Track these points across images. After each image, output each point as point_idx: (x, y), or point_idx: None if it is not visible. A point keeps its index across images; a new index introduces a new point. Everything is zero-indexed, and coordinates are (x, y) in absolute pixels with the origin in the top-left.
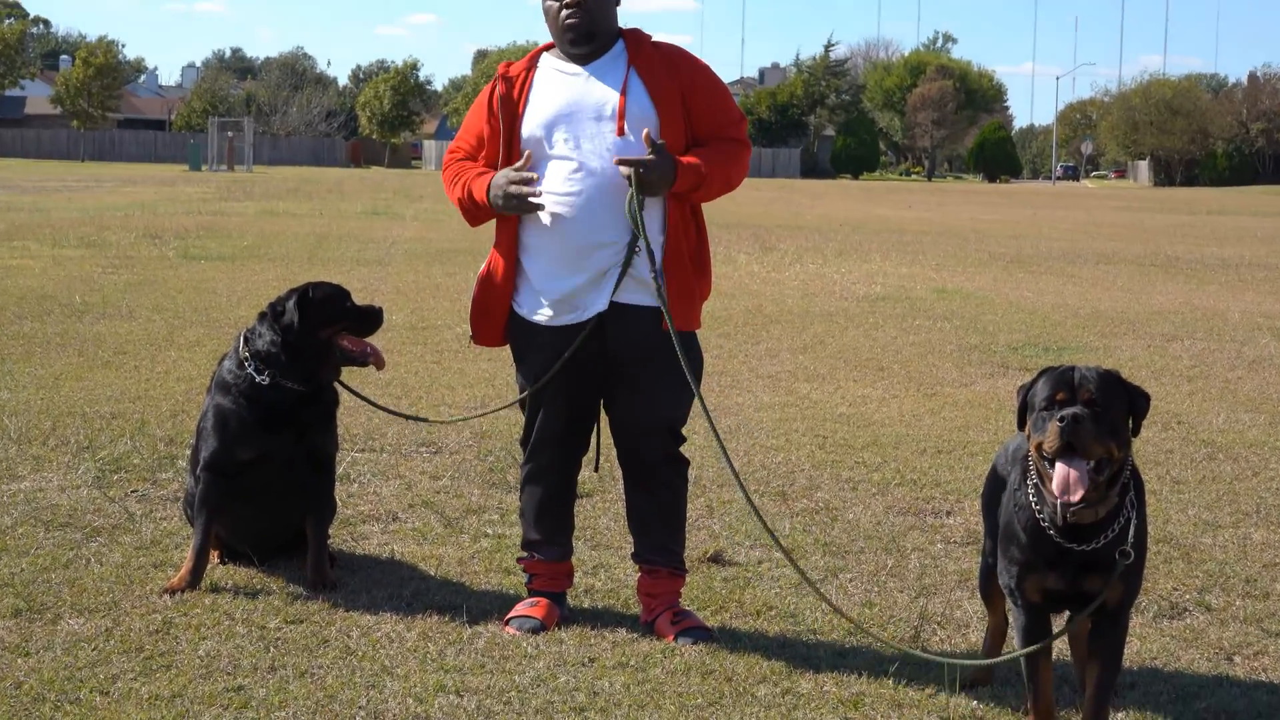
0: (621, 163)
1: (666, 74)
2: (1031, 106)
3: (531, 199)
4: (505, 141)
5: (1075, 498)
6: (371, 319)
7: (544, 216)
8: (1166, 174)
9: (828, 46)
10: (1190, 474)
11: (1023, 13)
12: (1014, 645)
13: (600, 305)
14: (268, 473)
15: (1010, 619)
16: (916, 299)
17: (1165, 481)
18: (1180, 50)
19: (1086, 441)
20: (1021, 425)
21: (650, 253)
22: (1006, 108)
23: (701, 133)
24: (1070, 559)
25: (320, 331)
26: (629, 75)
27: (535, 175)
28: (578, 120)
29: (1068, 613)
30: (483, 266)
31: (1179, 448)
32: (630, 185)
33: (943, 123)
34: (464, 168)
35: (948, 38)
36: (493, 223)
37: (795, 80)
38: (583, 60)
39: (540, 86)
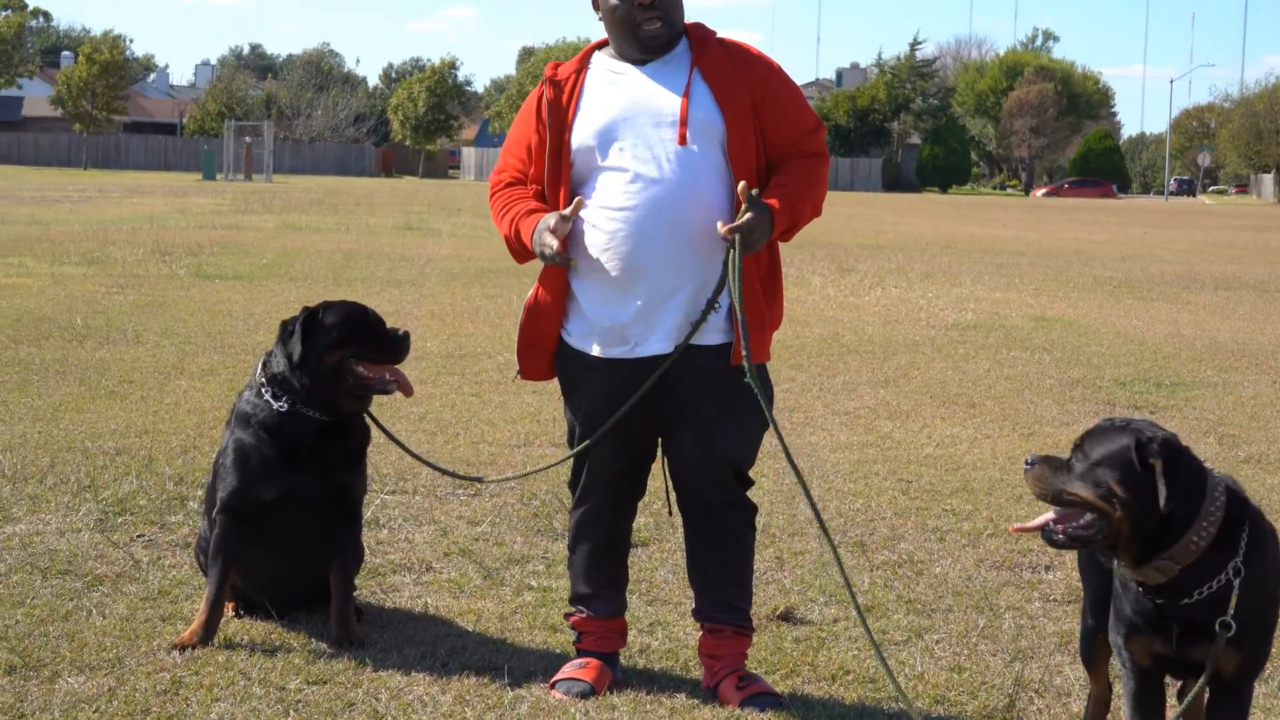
0: (730, 230)
1: (735, 77)
2: (1142, 113)
3: (560, 255)
4: (554, 152)
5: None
6: (389, 344)
7: (596, 234)
8: None
9: (914, 45)
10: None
11: (1133, 8)
12: (1121, 716)
13: (654, 347)
14: (290, 515)
15: (1119, 686)
16: (1012, 328)
17: None
18: None
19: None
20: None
21: (740, 314)
22: (1114, 114)
23: (775, 144)
24: (1168, 620)
25: (326, 356)
26: (692, 77)
27: (568, 228)
28: (634, 127)
29: (1181, 683)
30: (530, 293)
31: None
32: (733, 249)
33: (1042, 130)
34: (513, 197)
35: (1048, 35)
36: None
37: (877, 82)
38: (641, 61)
39: (592, 90)
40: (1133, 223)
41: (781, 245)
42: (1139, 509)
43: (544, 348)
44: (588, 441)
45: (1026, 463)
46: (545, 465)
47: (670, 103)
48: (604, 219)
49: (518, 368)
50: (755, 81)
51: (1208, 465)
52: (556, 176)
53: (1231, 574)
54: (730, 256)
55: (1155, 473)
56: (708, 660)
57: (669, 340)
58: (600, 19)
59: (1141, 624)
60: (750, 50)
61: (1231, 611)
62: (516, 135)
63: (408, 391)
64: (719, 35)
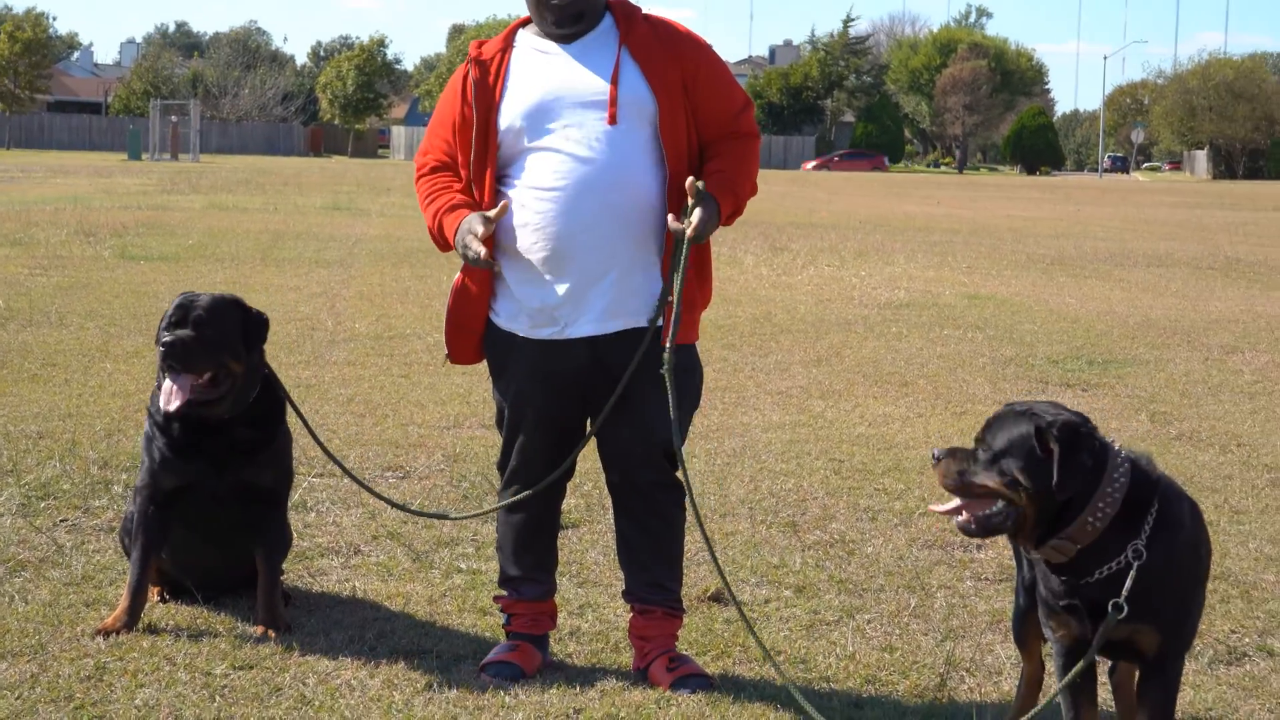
0: (675, 230)
1: (664, 55)
2: (1076, 90)
3: (484, 260)
4: (480, 133)
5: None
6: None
7: (525, 213)
8: (1227, 165)
9: (847, 21)
10: (1251, 503)
11: None
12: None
13: (583, 329)
14: (199, 503)
15: (1049, 664)
16: (945, 306)
17: (1223, 511)
18: (1243, 27)
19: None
20: None
21: (675, 305)
22: (1048, 91)
23: (706, 124)
24: (1075, 599)
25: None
26: (621, 55)
27: (492, 229)
28: (563, 107)
29: (1112, 663)
30: (457, 275)
31: (1239, 473)
32: (682, 244)
33: (976, 108)
34: (437, 186)
35: (982, 12)
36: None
37: (810, 59)
38: (567, 39)
39: (519, 69)
40: (1066, 200)
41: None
42: (1042, 494)
43: (472, 329)
44: (552, 477)
45: (934, 456)
46: (500, 504)
47: (599, 82)
48: (533, 199)
49: (446, 351)
50: (685, 60)
51: (1134, 445)
52: (484, 157)
53: (1131, 555)
54: (680, 252)
55: (1053, 458)
56: (638, 641)
57: (599, 321)
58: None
59: (1055, 604)
60: (678, 28)
61: (1125, 593)
62: (441, 115)
63: (172, 403)
64: (645, 12)
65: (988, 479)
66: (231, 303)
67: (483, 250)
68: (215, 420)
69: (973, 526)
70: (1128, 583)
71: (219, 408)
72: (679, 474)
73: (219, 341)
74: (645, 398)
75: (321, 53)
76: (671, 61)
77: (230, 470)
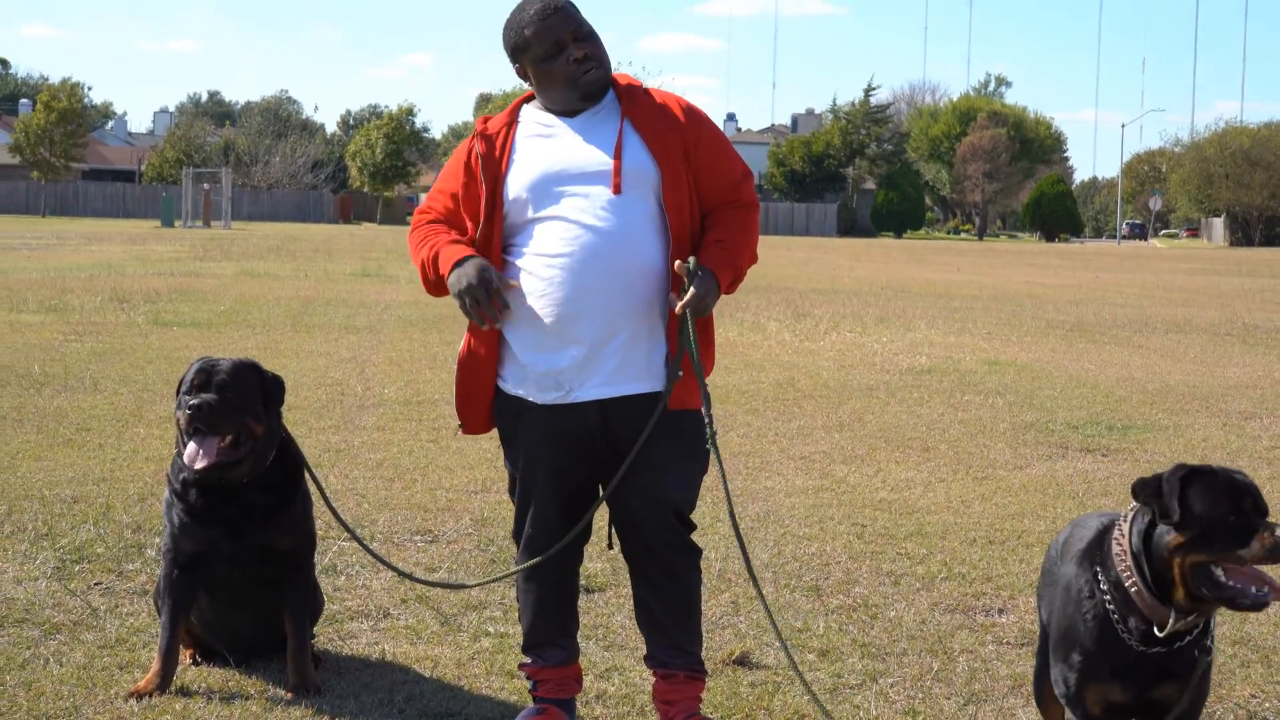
0: (682, 308)
1: (665, 126)
2: (1094, 158)
3: (488, 315)
4: (488, 204)
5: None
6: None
7: (532, 281)
8: (1244, 232)
9: (868, 91)
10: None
11: (1084, 54)
12: None
13: (591, 393)
14: (223, 566)
15: None
16: (966, 372)
17: None
18: (1259, 95)
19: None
20: (1165, 518)
21: (702, 384)
22: (1066, 159)
23: (707, 193)
24: (1145, 666)
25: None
26: (623, 127)
27: (506, 297)
28: (568, 179)
29: None
30: (462, 345)
31: None
32: (686, 290)
33: (995, 175)
34: (436, 230)
35: (1001, 81)
36: None
37: (832, 128)
38: (572, 114)
39: (524, 143)
40: (1085, 266)
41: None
42: None
43: (481, 399)
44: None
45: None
46: (516, 569)
47: (603, 153)
48: (540, 266)
49: (459, 423)
50: (685, 130)
51: None
52: (490, 228)
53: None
54: (685, 328)
55: None
56: (662, 706)
57: (605, 385)
58: (529, 82)
59: (1106, 671)
60: (679, 100)
61: (1209, 641)
62: (444, 183)
63: (195, 463)
64: (645, 86)
65: None
66: (250, 366)
67: (494, 317)
68: (233, 485)
69: None
70: (1211, 626)
71: (239, 470)
72: (692, 536)
73: (240, 404)
74: (652, 461)
75: (351, 121)
76: (673, 132)
77: (248, 534)
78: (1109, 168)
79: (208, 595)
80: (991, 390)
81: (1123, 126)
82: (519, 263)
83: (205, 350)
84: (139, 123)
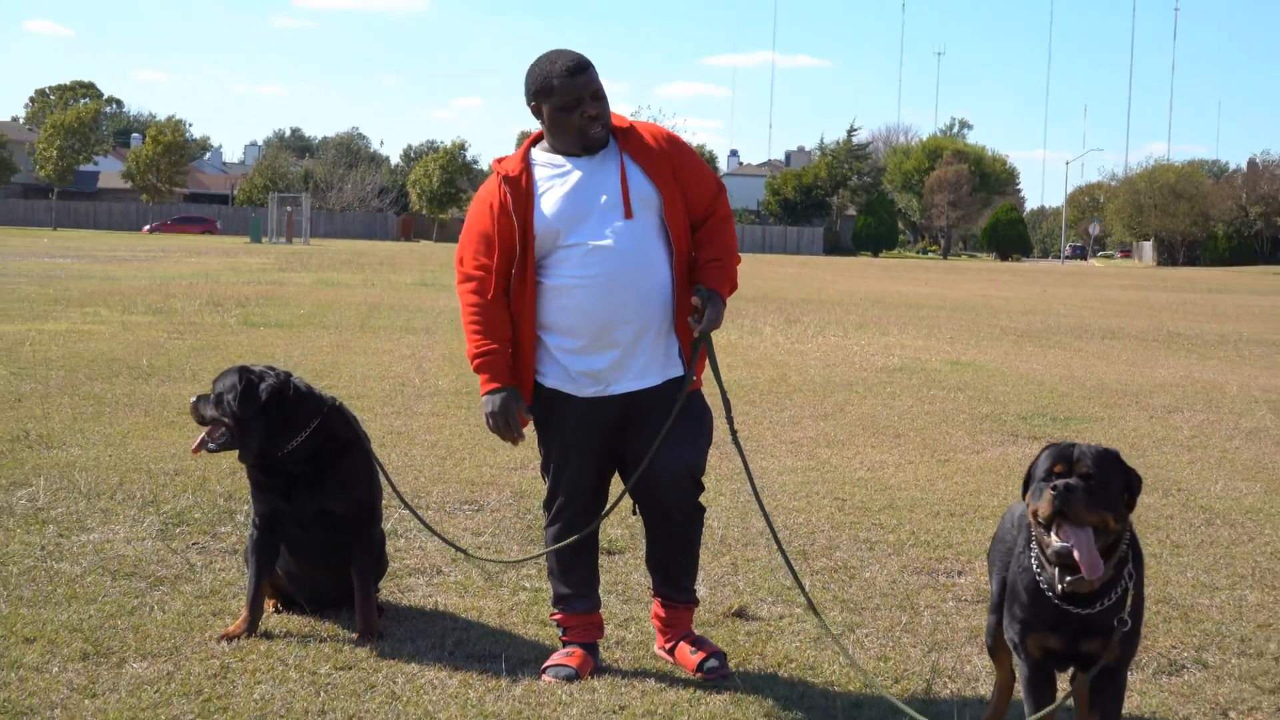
0: (694, 314)
1: (656, 153)
2: (1042, 189)
3: (509, 439)
4: (521, 237)
5: (1093, 572)
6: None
7: (569, 298)
8: (1169, 254)
9: (850, 131)
10: (1189, 538)
11: (1035, 101)
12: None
13: (624, 386)
14: (295, 529)
15: (1017, 673)
16: (931, 370)
17: (1165, 545)
18: (1184, 138)
19: (1078, 509)
20: (1025, 494)
21: (669, 289)
22: (1018, 190)
23: (693, 205)
24: (1069, 622)
25: None
26: (624, 161)
27: (522, 430)
28: (587, 209)
29: (1073, 669)
30: None
31: (1178, 513)
32: (698, 323)
33: (958, 204)
34: (482, 318)
35: (963, 124)
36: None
37: (819, 163)
38: (575, 154)
39: (544, 184)
40: (1033, 282)
41: (731, 300)
42: (1124, 523)
43: (522, 391)
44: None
45: (1054, 489)
46: (547, 550)
47: (612, 185)
48: (574, 286)
49: None
50: (670, 155)
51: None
52: (524, 256)
53: (1127, 579)
54: (707, 345)
55: (1138, 492)
56: (661, 625)
57: (636, 380)
58: (542, 122)
59: (1040, 623)
60: (660, 129)
61: (1129, 609)
62: (474, 225)
63: (202, 448)
64: (630, 121)
65: (1094, 517)
66: (235, 372)
67: (514, 439)
68: (272, 461)
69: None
70: (1128, 601)
71: (241, 452)
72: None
73: (218, 402)
74: (675, 431)
75: (411, 154)
76: (663, 159)
77: (298, 499)
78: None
79: (288, 554)
80: (953, 386)
81: (1066, 163)
82: (553, 285)
83: (286, 347)
84: (232, 154)
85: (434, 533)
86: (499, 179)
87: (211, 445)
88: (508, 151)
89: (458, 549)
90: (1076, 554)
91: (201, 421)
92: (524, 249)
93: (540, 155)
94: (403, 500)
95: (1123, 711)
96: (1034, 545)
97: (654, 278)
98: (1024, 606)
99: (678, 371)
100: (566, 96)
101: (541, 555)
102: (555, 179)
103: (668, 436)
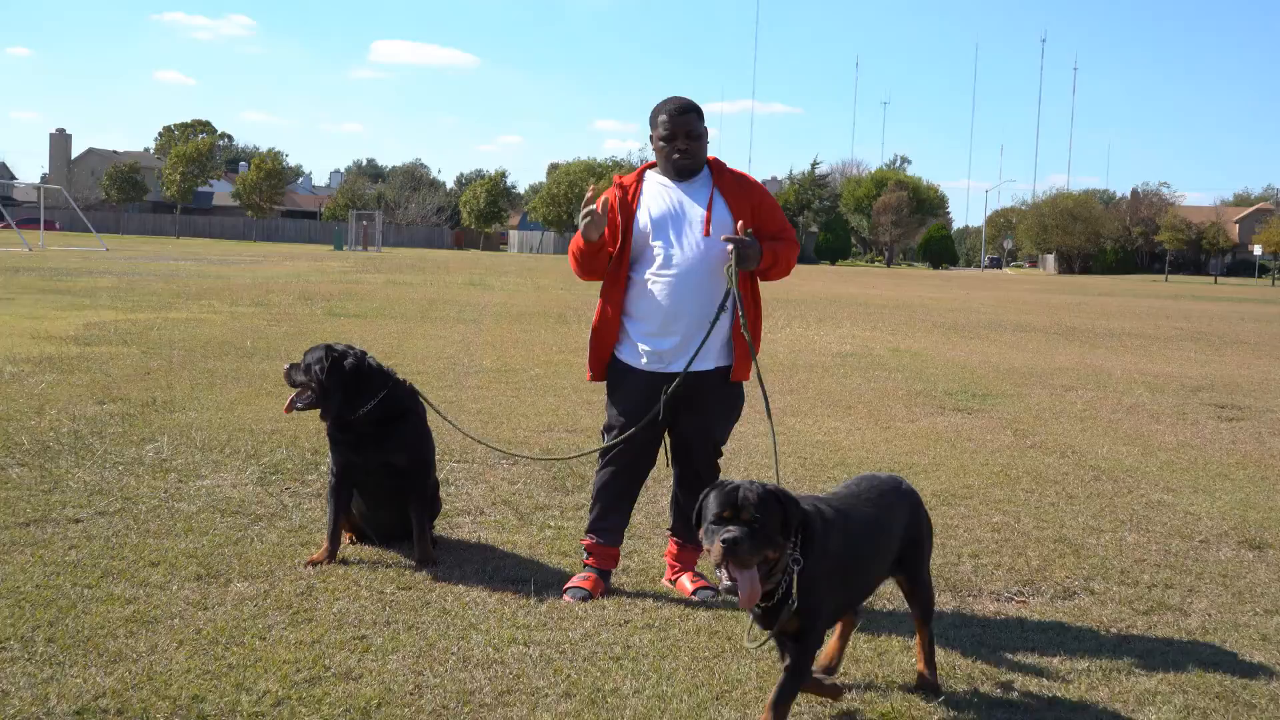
0: (729, 239)
1: (741, 194)
2: (967, 212)
3: (586, 214)
4: (623, 232)
5: (750, 600)
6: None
7: (651, 287)
8: (1068, 264)
9: (814, 165)
10: (1080, 491)
11: (961, 140)
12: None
13: (679, 366)
14: (364, 477)
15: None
16: (876, 356)
17: (1061, 496)
18: (1080, 171)
19: (744, 558)
20: (698, 526)
21: (738, 301)
22: (948, 212)
23: (765, 232)
24: (755, 614)
25: None
26: (713, 193)
27: (596, 206)
28: (675, 222)
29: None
30: (594, 320)
31: (1072, 471)
32: (731, 256)
33: (899, 223)
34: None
35: (904, 159)
36: (598, 287)
37: (789, 190)
38: (680, 180)
39: (648, 195)
40: (959, 287)
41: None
42: (783, 548)
43: (602, 359)
44: (624, 437)
45: (724, 543)
46: (583, 452)
47: (699, 208)
48: (654, 280)
49: (589, 374)
50: (753, 195)
51: (1001, 453)
52: (624, 246)
53: (787, 575)
54: (730, 263)
55: (795, 519)
56: (673, 561)
57: (694, 362)
58: (655, 151)
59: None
60: (750, 178)
61: (795, 594)
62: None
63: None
64: (728, 166)
65: (766, 550)
66: (323, 348)
67: (594, 209)
68: (344, 421)
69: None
70: (793, 590)
71: (322, 412)
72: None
73: (307, 369)
74: (707, 411)
75: (463, 180)
76: (745, 197)
77: (366, 452)
78: (976, 219)
79: (360, 497)
80: (893, 368)
81: (986, 191)
82: (638, 279)
83: (362, 333)
84: (320, 179)
85: (491, 446)
86: (616, 187)
87: (299, 405)
88: (539, 178)
89: (502, 450)
90: (740, 591)
91: (292, 384)
92: (624, 240)
93: (652, 175)
94: (472, 437)
95: (810, 662)
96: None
97: (716, 285)
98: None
99: (726, 362)
100: (665, 131)
101: (593, 453)
102: (658, 194)
103: (707, 412)
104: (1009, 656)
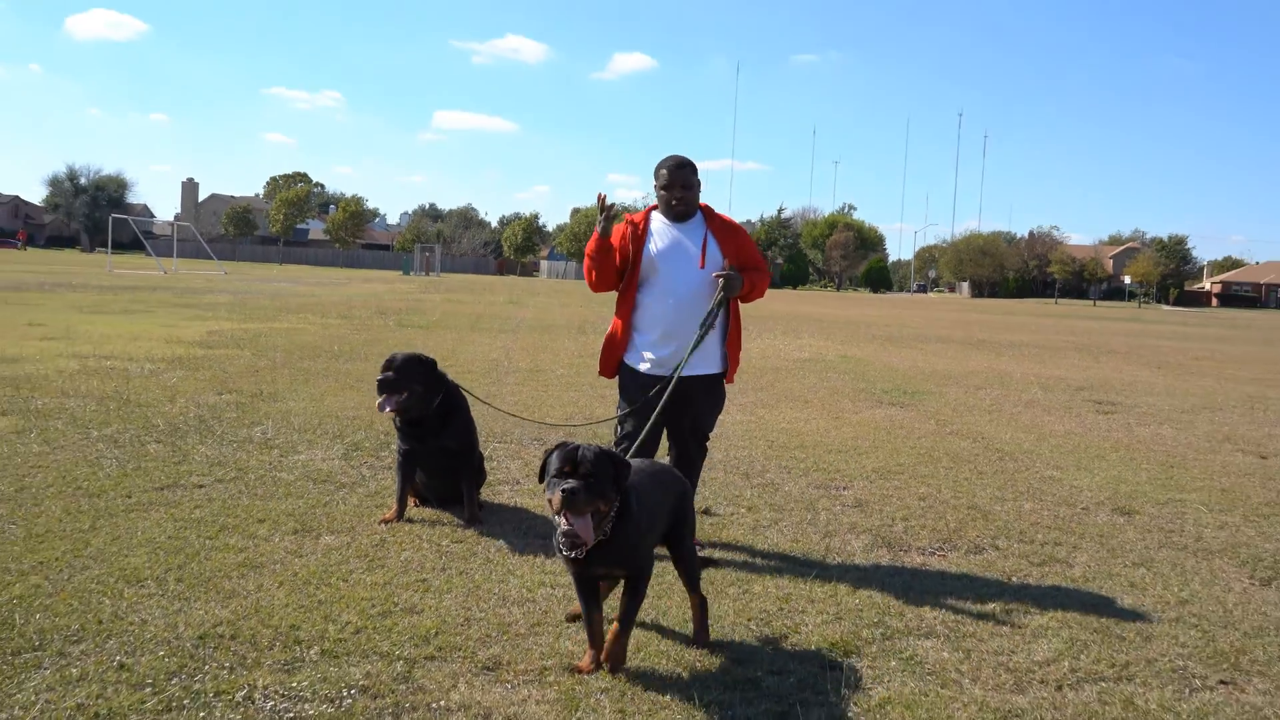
0: (719, 275)
1: (729, 235)
2: (900, 247)
3: (602, 213)
4: (634, 259)
5: (589, 541)
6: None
7: (653, 309)
8: (979, 290)
9: (779, 211)
10: (988, 468)
11: (895, 192)
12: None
13: (683, 371)
14: (425, 455)
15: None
16: (828, 361)
17: (973, 473)
18: (990, 217)
19: (579, 505)
20: (541, 480)
21: (723, 317)
22: (885, 249)
23: (744, 266)
24: (577, 564)
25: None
26: (707, 233)
27: (610, 207)
28: (675, 256)
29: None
30: (609, 330)
31: (981, 453)
32: (719, 285)
33: (846, 256)
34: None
35: (851, 206)
36: (613, 300)
37: (760, 229)
38: (678, 222)
39: (653, 232)
40: (892, 307)
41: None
42: (615, 501)
43: (612, 362)
44: (629, 409)
45: (563, 492)
46: (591, 421)
47: (695, 246)
48: (657, 301)
49: (600, 370)
50: (739, 239)
51: (925, 440)
52: (633, 273)
53: (609, 526)
54: (718, 291)
55: (625, 477)
56: None
57: (687, 368)
58: (657, 197)
59: (568, 564)
60: (735, 223)
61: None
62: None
63: (383, 410)
64: (716, 211)
65: (598, 502)
66: (416, 359)
67: (613, 207)
68: (413, 416)
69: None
70: (621, 541)
71: (410, 411)
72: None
73: (408, 378)
74: (699, 407)
75: (504, 221)
76: (732, 238)
77: (429, 439)
78: (908, 253)
79: (421, 470)
80: (842, 371)
81: (915, 232)
82: (644, 299)
83: (427, 341)
84: (392, 219)
85: (523, 418)
86: (628, 223)
87: (390, 407)
88: (564, 219)
89: (531, 420)
90: (579, 532)
91: (393, 391)
92: (633, 268)
93: (656, 216)
94: (516, 416)
95: (641, 601)
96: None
97: (706, 308)
98: (560, 557)
99: (715, 369)
100: (663, 180)
101: (609, 420)
102: (662, 232)
103: (697, 410)
104: (931, 598)
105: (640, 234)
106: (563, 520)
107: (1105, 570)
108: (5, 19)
